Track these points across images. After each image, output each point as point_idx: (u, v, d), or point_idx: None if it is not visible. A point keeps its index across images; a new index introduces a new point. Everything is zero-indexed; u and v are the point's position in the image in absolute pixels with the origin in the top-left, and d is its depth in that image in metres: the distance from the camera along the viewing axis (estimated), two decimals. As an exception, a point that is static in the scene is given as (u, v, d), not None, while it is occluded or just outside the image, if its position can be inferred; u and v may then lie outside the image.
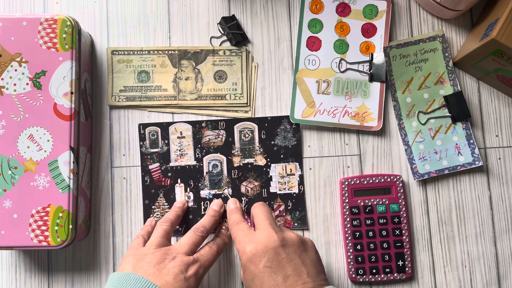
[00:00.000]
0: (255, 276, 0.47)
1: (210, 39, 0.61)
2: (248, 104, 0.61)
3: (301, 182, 0.60)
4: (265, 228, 0.49)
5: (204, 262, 0.50)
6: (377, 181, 0.59)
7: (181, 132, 0.60)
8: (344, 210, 0.58)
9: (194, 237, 0.52)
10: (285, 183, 0.60)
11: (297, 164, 0.60)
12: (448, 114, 0.60)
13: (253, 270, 0.47)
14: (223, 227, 0.57)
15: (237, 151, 0.60)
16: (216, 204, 0.57)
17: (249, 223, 0.54)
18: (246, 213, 0.59)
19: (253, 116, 0.60)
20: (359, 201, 0.58)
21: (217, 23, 0.62)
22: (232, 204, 0.57)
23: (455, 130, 0.60)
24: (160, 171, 0.59)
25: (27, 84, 0.53)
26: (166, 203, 0.59)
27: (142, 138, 0.60)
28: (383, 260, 0.58)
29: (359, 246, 0.58)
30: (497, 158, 0.61)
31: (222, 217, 0.59)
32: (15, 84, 0.53)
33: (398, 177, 0.59)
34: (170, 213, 0.56)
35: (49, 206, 0.52)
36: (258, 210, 0.53)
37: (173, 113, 0.61)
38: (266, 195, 0.59)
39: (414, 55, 0.61)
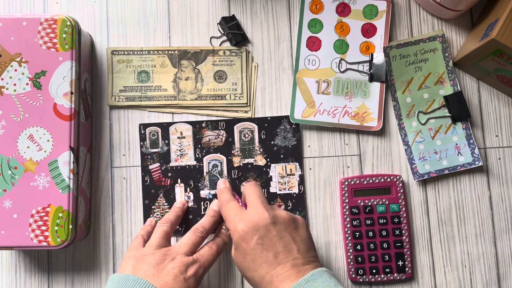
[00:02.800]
0: (247, 253, 0.47)
1: (210, 39, 0.61)
2: (248, 104, 0.61)
3: (301, 182, 0.60)
4: (256, 206, 0.50)
5: (203, 262, 0.50)
6: (377, 181, 0.59)
7: (181, 132, 0.60)
8: (344, 210, 0.58)
9: (193, 238, 0.52)
10: (285, 183, 0.60)
11: (297, 164, 0.60)
12: (448, 114, 0.60)
13: (245, 247, 0.48)
14: (223, 227, 0.57)
15: (237, 151, 0.60)
16: (215, 204, 0.57)
17: (240, 203, 0.54)
18: (238, 193, 0.59)
19: (253, 116, 0.60)
20: (359, 201, 0.58)
21: (217, 23, 0.62)
22: (222, 184, 0.56)
23: (455, 130, 0.60)
24: (160, 171, 0.59)
25: (27, 84, 0.53)
26: (166, 203, 0.59)
27: (142, 138, 0.60)
28: (383, 260, 0.58)
29: (359, 246, 0.58)
30: (497, 158, 0.61)
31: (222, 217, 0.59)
32: (15, 84, 0.53)
33: (398, 177, 0.59)
34: (170, 213, 0.56)
35: (49, 206, 0.52)
36: (250, 189, 0.53)
37: (173, 113, 0.61)
38: (266, 195, 0.59)
39: (414, 55, 0.61)
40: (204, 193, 0.59)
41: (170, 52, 0.61)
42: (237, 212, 0.50)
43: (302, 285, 0.44)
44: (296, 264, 0.47)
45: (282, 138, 0.60)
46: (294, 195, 0.60)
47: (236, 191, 0.59)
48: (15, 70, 0.53)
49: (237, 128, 0.60)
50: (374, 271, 0.58)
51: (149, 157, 0.60)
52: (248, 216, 0.49)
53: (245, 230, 0.48)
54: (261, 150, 0.60)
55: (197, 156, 0.60)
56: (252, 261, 0.47)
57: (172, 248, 0.51)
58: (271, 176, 0.60)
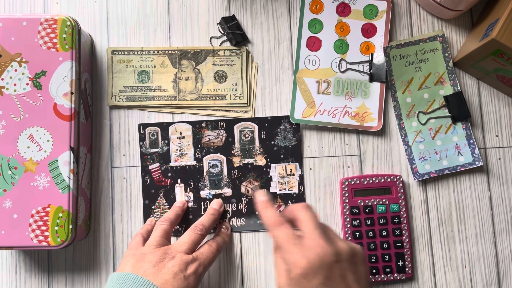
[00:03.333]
0: None
1: (210, 39, 0.61)
2: (248, 104, 0.61)
3: (301, 182, 0.60)
4: (315, 238, 0.44)
5: (203, 260, 0.50)
6: (377, 181, 0.59)
7: (181, 132, 0.60)
8: (344, 210, 0.58)
9: (193, 236, 0.52)
10: (285, 183, 0.60)
11: (297, 164, 0.60)
12: (448, 114, 0.60)
13: (306, 285, 0.42)
14: (223, 226, 0.57)
15: (237, 151, 0.60)
16: (216, 203, 0.58)
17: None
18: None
19: (253, 116, 0.60)
20: (359, 201, 0.58)
21: (217, 23, 0.62)
22: (262, 196, 0.50)
23: (455, 130, 0.60)
24: (160, 171, 0.59)
25: (27, 84, 0.53)
26: (166, 203, 0.59)
27: (142, 138, 0.60)
28: (383, 260, 0.58)
29: (359, 246, 0.58)
30: (497, 158, 0.61)
31: (222, 216, 0.59)
32: (15, 84, 0.53)
33: (398, 177, 0.59)
34: (170, 212, 0.56)
35: (49, 206, 0.52)
36: (305, 215, 0.46)
37: (173, 113, 0.61)
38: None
39: (414, 55, 0.61)
40: (204, 193, 0.59)
41: (170, 52, 0.61)
42: (295, 243, 0.44)
43: None
44: None
45: (282, 138, 0.60)
46: (294, 195, 0.60)
47: (236, 191, 0.59)
48: (15, 70, 0.53)
49: (237, 128, 0.60)
50: (374, 271, 0.58)
51: (148, 157, 0.60)
52: (310, 250, 0.43)
53: (308, 267, 0.42)
54: (261, 150, 0.60)
55: (197, 156, 0.60)
56: None
57: (171, 246, 0.50)
58: (271, 176, 0.60)
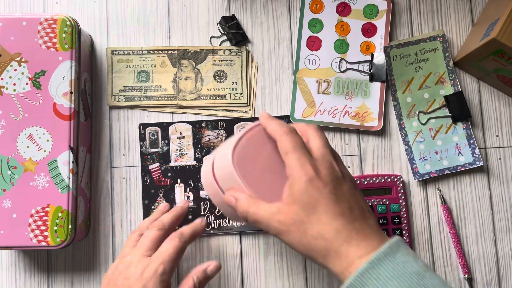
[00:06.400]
0: (318, 201, 0.40)
1: (210, 39, 0.61)
2: (248, 104, 0.61)
3: (301, 182, 0.60)
4: (325, 155, 0.43)
5: (163, 258, 0.46)
6: (377, 181, 0.59)
7: (181, 132, 0.60)
8: (344, 210, 0.58)
9: (150, 234, 0.49)
10: (285, 183, 0.59)
11: (297, 164, 0.60)
12: (449, 114, 0.60)
13: (315, 194, 0.40)
14: (199, 219, 0.53)
15: (237, 151, 0.60)
16: (181, 201, 0.56)
17: None
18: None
19: (253, 116, 0.60)
20: (359, 201, 0.58)
21: (217, 23, 0.62)
22: (266, 114, 0.47)
23: (456, 130, 0.60)
24: (160, 171, 0.59)
25: (27, 84, 0.53)
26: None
27: (142, 138, 0.60)
28: (383, 260, 0.58)
29: (359, 246, 0.58)
30: (498, 158, 0.61)
31: (221, 216, 0.58)
32: (14, 84, 0.53)
33: (398, 177, 0.59)
34: (166, 216, 0.53)
35: (48, 206, 0.52)
36: (318, 134, 0.44)
37: (173, 113, 0.61)
38: None
39: (415, 55, 0.61)
40: (204, 193, 0.59)
41: (170, 51, 0.60)
42: (306, 153, 0.42)
43: (382, 259, 0.38)
44: (371, 226, 0.41)
45: (282, 138, 0.60)
46: (294, 195, 0.59)
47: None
48: (15, 70, 0.53)
49: (237, 127, 0.60)
50: (374, 271, 0.58)
51: (148, 157, 0.60)
52: (319, 162, 0.42)
53: (319, 174, 0.41)
54: (261, 150, 0.60)
55: (197, 156, 0.60)
56: (325, 212, 0.40)
57: (132, 251, 0.48)
58: (271, 176, 0.60)
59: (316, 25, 0.61)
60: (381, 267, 0.38)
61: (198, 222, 0.52)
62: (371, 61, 0.60)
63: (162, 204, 0.56)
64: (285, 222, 0.41)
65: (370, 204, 0.58)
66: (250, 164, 0.44)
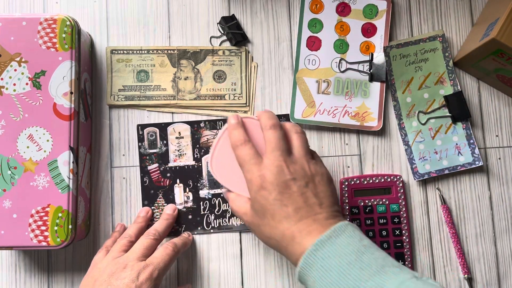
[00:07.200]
0: (265, 209, 0.46)
1: (209, 39, 0.61)
2: (247, 104, 0.61)
3: (300, 182, 0.60)
4: (274, 159, 0.47)
5: (157, 263, 0.49)
6: (377, 181, 0.59)
7: (179, 133, 0.60)
8: (344, 210, 0.58)
9: (146, 242, 0.52)
10: (284, 183, 0.60)
11: (297, 164, 0.60)
12: (448, 114, 0.60)
13: (263, 202, 0.46)
14: (185, 233, 0.58)
15: (236, 151, 0.60)
16: (169, 208, 0.58)
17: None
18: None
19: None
20: (359, 201, 0.58)
21: (217, 23, 0.62)
22: (233, 119, 0.51)
23: (455, 130, 0.60)
24: (159, 171, 0.59)
25: (27, 84, 0.53)
26: (166, 204, 0.59)
27: (140, 139, 0.60)
28: (383, 260, 0.58)
29: (359, 246, 0.58)
30: (497, 158, 0.61)
31: (221, 216, 0.59)
32: (14, 84, 0.53)
33: (398, 177, 0.59)
34: (133, 227, 0.56)
35: (48, 206, 0.52)
36: (269, 136, 0.48)
37: (172, 112, 0.61)
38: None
39: (414, 55, 0.61)
40: (203, 193, 0.59)
41: (169, 51, 0.61)
42: (255, 162, 0.47)
43: (325, 241, 0.43)
44: (318, 219, 0.45)
45: (282, 138, 0.60)
46: (294, 195, 0.59)
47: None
48: (15, 70, 0.53)
49: (236, 128, 0.60)
50: (374, 271, 0.58)
51: (147, 157, 0.60)
52: (266, 169, 0.47)
53: (264, 184, 0.46)
54: (261, 150, 0.60)
55: (195, 156, 0.60)
56: (272, 217, 0.46)
57: (125, 255, 0.50)
58: (270, 176, 0.60)
59: (316, 25, 0.61)
60: (324, 248, 0.43)
61: (186, 236, 0.57)
62: (371, 61, 0.60)
63: (144, 209, 0.58)
64: (250, 223, 0.49)
65: (370, 204, 0.58)
66: (229, 167, 0.51)
